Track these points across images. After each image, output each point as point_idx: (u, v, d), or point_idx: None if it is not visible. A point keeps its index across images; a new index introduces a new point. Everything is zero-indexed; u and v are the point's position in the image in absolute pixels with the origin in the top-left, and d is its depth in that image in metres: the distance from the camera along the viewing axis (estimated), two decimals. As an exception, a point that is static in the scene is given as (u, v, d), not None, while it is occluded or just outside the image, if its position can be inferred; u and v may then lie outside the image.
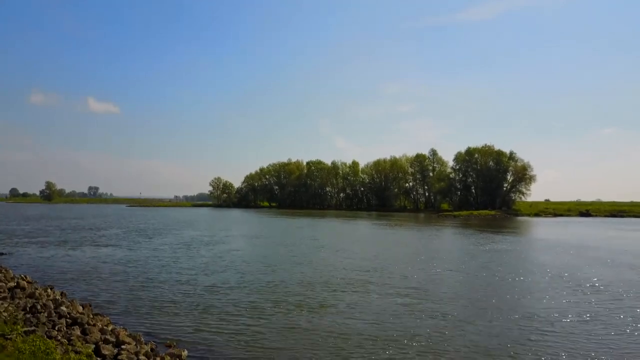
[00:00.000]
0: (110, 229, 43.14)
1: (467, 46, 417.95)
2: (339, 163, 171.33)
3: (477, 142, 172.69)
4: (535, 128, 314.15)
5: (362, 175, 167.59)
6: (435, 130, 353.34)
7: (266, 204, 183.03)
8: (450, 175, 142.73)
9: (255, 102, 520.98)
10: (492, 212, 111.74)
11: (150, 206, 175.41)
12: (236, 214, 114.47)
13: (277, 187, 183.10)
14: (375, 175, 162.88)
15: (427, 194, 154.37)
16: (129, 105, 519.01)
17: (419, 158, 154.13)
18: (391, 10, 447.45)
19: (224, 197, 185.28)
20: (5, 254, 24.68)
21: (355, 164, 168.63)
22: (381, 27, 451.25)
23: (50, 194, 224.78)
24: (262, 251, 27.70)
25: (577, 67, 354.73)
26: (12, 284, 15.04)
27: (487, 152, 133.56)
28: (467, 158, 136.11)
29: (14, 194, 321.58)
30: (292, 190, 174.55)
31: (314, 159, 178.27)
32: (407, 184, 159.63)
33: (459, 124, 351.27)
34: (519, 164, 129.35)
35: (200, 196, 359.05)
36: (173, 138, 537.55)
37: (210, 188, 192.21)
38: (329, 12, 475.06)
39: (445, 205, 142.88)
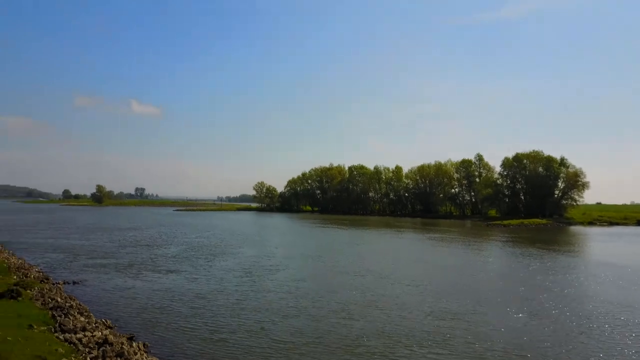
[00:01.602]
0: (168, 246, 43.98)
1: (503, 45, 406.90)
2: (382, 168, 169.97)
3: (512, 144, 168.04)
4: (582, 126, 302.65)
5: (405, 180, 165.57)
6: (471, 132, 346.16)
7: (308, 208, 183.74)
8: (498, 182, 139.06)
9: (295, 104, 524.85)
10: (543, 221, 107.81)
11: (196, 210, 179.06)
12: (281, 220, 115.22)
13: (319, 192, 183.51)
14: (419, 181, 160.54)
15: (473, 200, 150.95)
16: (170, 107, 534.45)
17: (465, 163, 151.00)
18: (425, 10, 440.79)
19: (267, 201, 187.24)
20: (78, 282, 25.33)
21: (398, 169, 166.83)
22: (416, 26, 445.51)
23: (100, 197, 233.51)
24: (326, 283, 27.45)
25: (619, 63, 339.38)
26: (98, 334, 15.35)
27: (537, 157, 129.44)
28: (515, 164, 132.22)
29: (67, 196, 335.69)
30: (334, 195, 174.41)
31: (347, 159, 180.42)
32: (452, 190, 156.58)
33: (497, 125, 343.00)
34: (570, 170, 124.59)
35: (243, 197, 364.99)
36: (214, 139, 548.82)
37: (254, 192, 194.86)
38: (364, 12, 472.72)
39: (492, 212, 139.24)
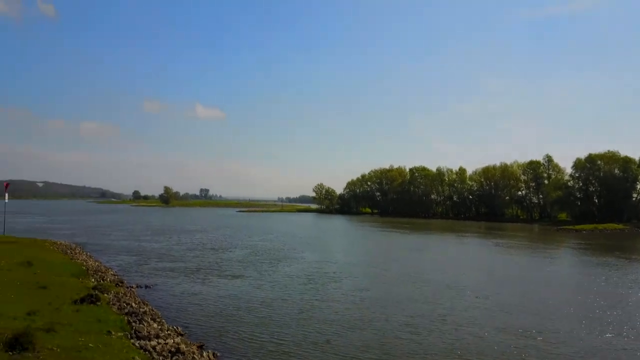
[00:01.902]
0: (234, 250, 45.03)
1: (570, 40, 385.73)
2: (445, 169, 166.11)
3: (583, 144, 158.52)
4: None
5: (469, 182, 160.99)
6: (537, 131, 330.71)
7: (368, 210, 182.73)
8: (569, 184, 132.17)
9: (354, 105, 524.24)
10: (620, 226, 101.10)
11: (259, 211, 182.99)
12: (341, 223, 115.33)
13: (378, 194, 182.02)
14: (484, 183, 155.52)
15: (541, 202, 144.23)
16: (233, 110, 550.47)
17: (533, 164, 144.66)
18: (491, 3, 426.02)
19: (326, 203, 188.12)
20: (150, 286, 26.37)
21: (462, 171, 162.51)
22: (480, 20, 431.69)
23: (167, 198, 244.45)
24: (391, 293, 27.02)
25: None
26: (170, 341, 15.83)
27: (612, 158, 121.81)
28: (587, 165, 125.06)
29: (137, 196, 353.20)
30: (395, 197, 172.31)
31: (409, 160, 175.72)
32: (519, 192, 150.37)
33: (566, 125, 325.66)
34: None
35: (302, 198, 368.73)
36: (275, 140, 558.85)
37: (314, 193, 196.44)
38: (426, 7, 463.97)
39: (562, 216, 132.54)
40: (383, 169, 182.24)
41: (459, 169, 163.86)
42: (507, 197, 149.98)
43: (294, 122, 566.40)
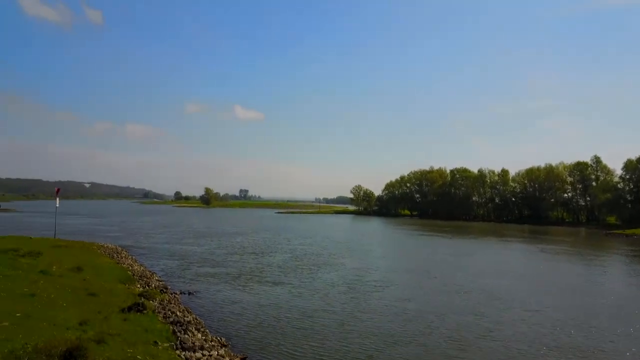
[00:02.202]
0: (273, 254, 45.29)
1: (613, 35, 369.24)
2: (487, 171, 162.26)
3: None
4: None
5: (512, 184, 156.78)
6: (585, 131, 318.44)
7: (407, 212, 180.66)
8: (619, 186, 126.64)
9: (389, 105, 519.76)
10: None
11: (297, 212, 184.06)
12: (379, 226, 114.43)
13: (418, 196, 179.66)
14: (527, 185, 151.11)
15: (588, 205, 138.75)
16: (272, 111, 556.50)
17: (580, 166, 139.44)
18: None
19: (364, 205, 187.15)
20: (193, 293, 26.78)
21: (505, 172, 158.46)
22: (522, 13, 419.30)
23: (208, 199, 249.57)
24: (435, 304, 26.50)
25: None
26: (214, 353, 15.97)
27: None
28: (639, 166, 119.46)
29: (178, 197, 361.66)
30: (434, 199, 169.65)
31: (449, 160, 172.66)
32: (565, 194, 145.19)
33: (615, 124, 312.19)
34: None
35: (339, 199, 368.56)
36: (314, 141, 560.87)
37: (351, 195, 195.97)
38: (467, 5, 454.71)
39: (611, 219, 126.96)
40: (423, 170, 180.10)
41: (502, 171, 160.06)
42: (552, 200, 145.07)
43: (332, 123, 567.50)
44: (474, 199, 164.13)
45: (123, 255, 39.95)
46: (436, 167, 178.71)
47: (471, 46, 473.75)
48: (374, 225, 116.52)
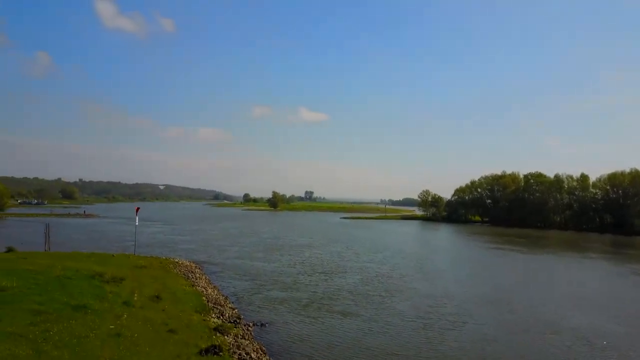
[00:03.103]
0: (343, 275, 44.84)
1: None
2: (564, 176, 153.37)
3: None
4: None
5: (593, 190, 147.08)
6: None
7: (477, 218, 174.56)
8: None
9: (455, 106, 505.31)
10: None
11: (362, 218, 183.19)
12: (449, 235, 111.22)
13: (489, 201, 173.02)
14: (610, 190, 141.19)
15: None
16: (337, 114, 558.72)
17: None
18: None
19: (432, 210, 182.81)
20: (265, 325, 26.86)
21: (584, 178, 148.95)
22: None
23: (275, 202, 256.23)
24: (520, 347, 24.95)
25: None
26: (290, 412, 15.80)
27: None
28: None
29: (247, 199, 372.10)
30: (507, 205, 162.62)
31: (521, 162, 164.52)
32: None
33: None
34: None
35: (406, 201, 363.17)
36: (379, 142, 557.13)
37: (418, 199, 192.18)
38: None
39: None
40: (495, 175, 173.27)
41: (581, 175, 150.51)
42: (638, 207, 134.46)
43: (398, 124, 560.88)
44: (549, 205, 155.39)
45: (197, 274, 41.06)
46: (509, 172, 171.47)
47: (542, 41, 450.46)
48: (444, 235, 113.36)
